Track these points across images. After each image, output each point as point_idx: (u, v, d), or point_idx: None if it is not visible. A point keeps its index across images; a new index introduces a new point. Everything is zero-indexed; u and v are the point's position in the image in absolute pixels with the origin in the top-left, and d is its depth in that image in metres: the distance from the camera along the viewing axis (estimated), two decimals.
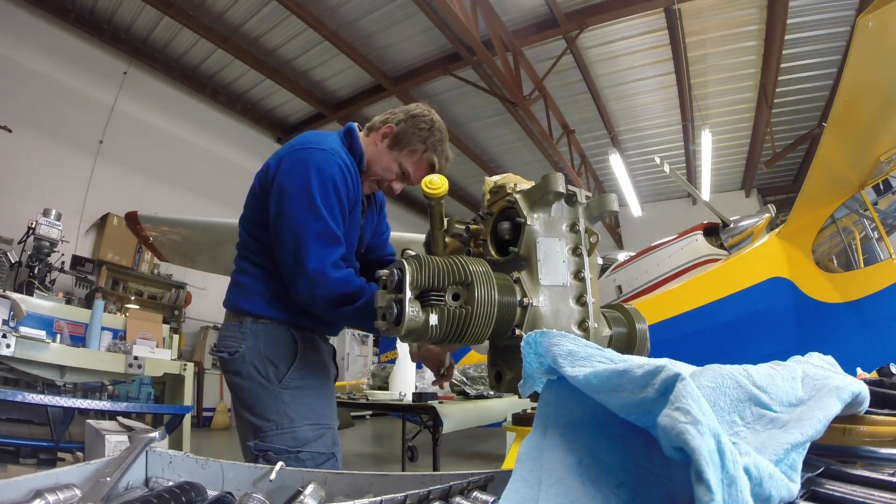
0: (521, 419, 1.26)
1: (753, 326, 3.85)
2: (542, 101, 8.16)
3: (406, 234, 4.67)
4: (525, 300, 0.78)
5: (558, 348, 0.53)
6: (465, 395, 3.29)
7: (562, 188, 0.84)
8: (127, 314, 4.62)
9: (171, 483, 0.64)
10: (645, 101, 8.74)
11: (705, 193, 9.23)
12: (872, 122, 2.98)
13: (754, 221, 5.64)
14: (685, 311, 4.24)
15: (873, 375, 0.89)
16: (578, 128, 9.41)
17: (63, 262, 5.92)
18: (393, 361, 3.87)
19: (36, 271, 5.22)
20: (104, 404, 3.14)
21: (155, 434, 0.69)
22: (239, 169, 8.32)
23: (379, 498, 0.53)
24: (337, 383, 1.61)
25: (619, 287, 6.07)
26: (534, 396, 0.60)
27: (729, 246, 5.56)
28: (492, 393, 3.23)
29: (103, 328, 3.61)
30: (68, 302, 5.18)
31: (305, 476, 0.67)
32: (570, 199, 0.87)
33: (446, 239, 1.04)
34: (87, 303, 6.11)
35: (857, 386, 0.63)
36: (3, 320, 2.99)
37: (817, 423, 0.51)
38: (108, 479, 0.60)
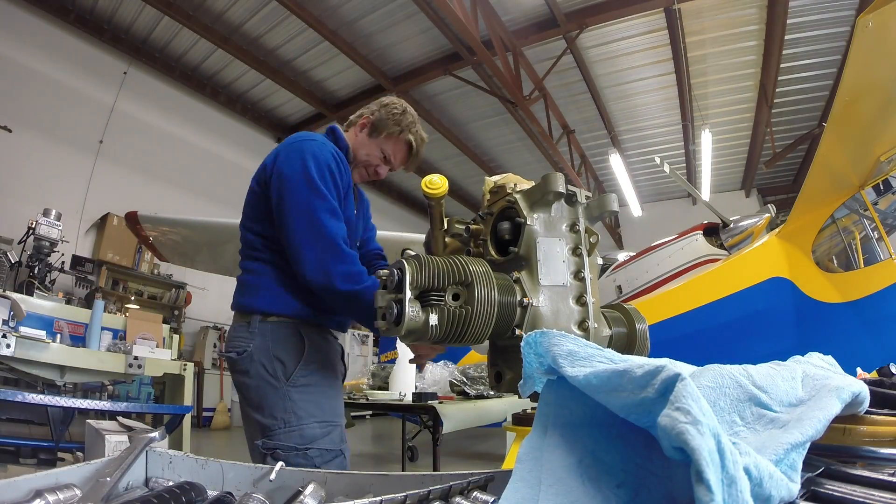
0: (521, 419, 1.26)
1: (753, 326, 3.85)
2: (542, 101, 8.16)
3: (406, 234, 4.68)
4: (525, 300, 0.78)
5: (558, 348, 0.53)
6: (465, 395, 3.29)
7: (562, 188, 0.84)
8: (127, 314, 4.62)
9: (171, 483, 0.64)
10: (645, 101, 8.74)
11: (705, 193, 9.23)
12: (872, 122, 2.99)
13: (754, 221, 5.65)
14: (685, 311, 4.24)
15: (873, 375, 0.89)
16: (578, 128, 9.41)
17: (63, 262, 5.91)
18: (393, 361, 3.87)
19: (36, 271, 5.22)
20: (104, 404, 3.14)
21: (155, 434, 0.69)
22: (239, 169, 8.31)
23: (379, 498, 0.53)
24: None
25: (619, 287, 6.07)
26: (534, 396, 0.60)
27: (729, 246, 5.56)
28: (492, 393, 3.23)
29: (103, 328, 3.61)
30: (68, 302, 5.18)
31: (305, 476, 0.67)
32: (570, 199, 0.87)
33: (446, 239, 1.04)
34: (87, 303, 6.11)
35: (857, 386, 0.63)
36: (3, 320, 2.99)
37: (817, 423, 0.51)
38: (108, 479, 0.60)
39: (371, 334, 10.49)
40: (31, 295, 4.27)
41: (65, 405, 2.95)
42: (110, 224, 7.17)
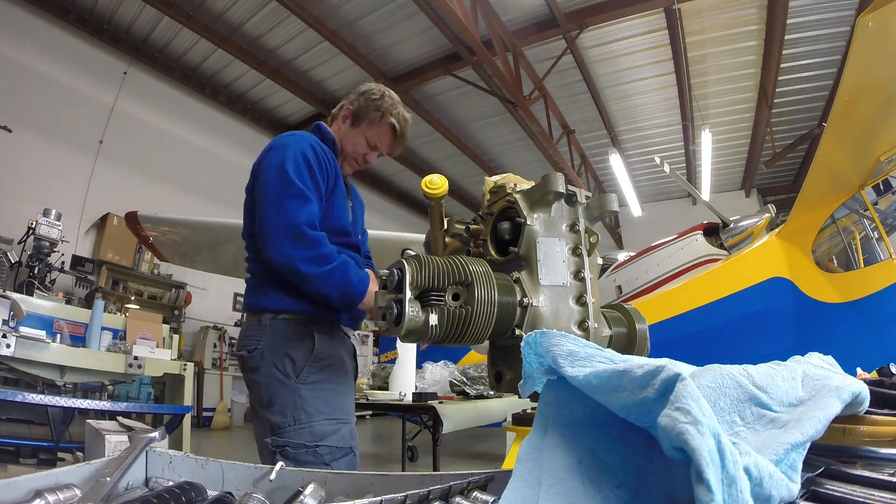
0: (521, 419, 1.25)
1: (753, 326, 3.85)
2: (542, 101, 8.16)
3: (406, 234, 4.68)
4: (525, 300, 0.78)
5: (558, 348, 0.53)
6: (465, 395, 3.29)
7: (562, 188, 0.84)
8: (127, 314, 4.62)
9: (171, 483, 0.64)
10: (645, 101, 8.74)
11: (705, 193, 9.23)
12: (872, 122, 2.99)
13: (754, 221, 5.64)
14: (685, 312, 4.24)
15: (873, 375, 0.89)
16: (578, 128, 9.41)
17: (63, 262, 5.92)
18: (393, 361, 3.87)
19: (36, 271, 5.22)
20: (104, 404, 3.14)
21: (155, 434, 0.69)
22: (239, 169, 8.26)
23: (379, 498, 0.53)
24: None
25: (619, 287, 6.07)
26: (534, 396, 0.60)
27: (729, 246, 5.56)
28: (492, 393, 3.23)
29: (103, 328, 3.61)
30: (68, 302, 5.18)
31: (305, 476, 0.67)
32: (570, 199, 0.87)
33: (446, 239, 1.04)
34: (87, 303, 6.11)
35: (857, 386, 0.63)
36: (3, 320, 2.99)
37: (817, 423, 0.51)
38: (108, 479, 0.60)
39: (370, 334, 10.49)
40: (31, 295, 4.27)
41: (65, 405, 2.95)
42: (110, 224, 7.17)
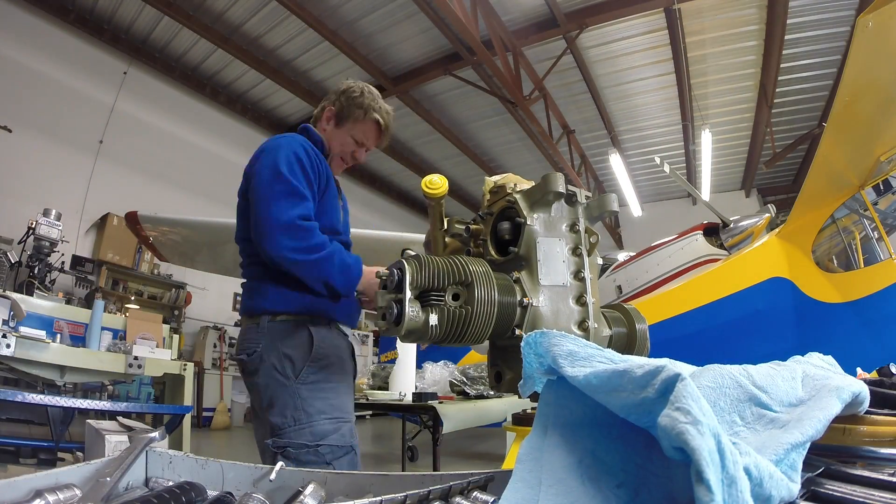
0: (521, 419, 1.25)
1: (753, 326, 3.85)
2: (542, 101, 8.16)
3: (406, 234, 4.67)
4: (525, 300, 0.78)
5: (558, 348, 0.53)
6: (465, 395, 3.29)
7: (562, 188, 0.84)
8: (127, 314, 4.62)
9: (171, 483, 0.64)
10: (645, 101, 8.74)
11: (705, 193, 9.23)
12: (872, 122, 2.99)
13: (754, 221, 5.64)
14: (685, 311, 4.24)
15: (873, 375, 0.89)
16: (578, 128, 9.41)
17: (63, 262, 5.91)
18: (393, 361, 3.87)
19: (36, 271, 5.22)
20: (104, 404, 3.14)
21: (155, 434, 0.69)
22: (239, 169, 8.00)
23: (379, 498, 0.53)
24: None
25: (619, 287, 6.07)
26: (534, 396, 0.60)
27: (729, 246, 5.56)
28: (492, 393, 3.23)
29: (103, 328, 3.61)
30: (68, 302, 5.18)
31: (305, 476, 0.67)
32: (570, 199, 0.87)
33: (446, 239, 1.04)
34: (87, 303, 6.11)
35: (857, 386, 0.63)
36: (3, 320, 2.99)
37: (817, 423, 0.51)
38: (108, 479, 0.60)
39: (371, 334, 10.50)
40: (31, 295, 4.27)
41: (65, 405, 2.95)
42: (110, 224, 7.17)
